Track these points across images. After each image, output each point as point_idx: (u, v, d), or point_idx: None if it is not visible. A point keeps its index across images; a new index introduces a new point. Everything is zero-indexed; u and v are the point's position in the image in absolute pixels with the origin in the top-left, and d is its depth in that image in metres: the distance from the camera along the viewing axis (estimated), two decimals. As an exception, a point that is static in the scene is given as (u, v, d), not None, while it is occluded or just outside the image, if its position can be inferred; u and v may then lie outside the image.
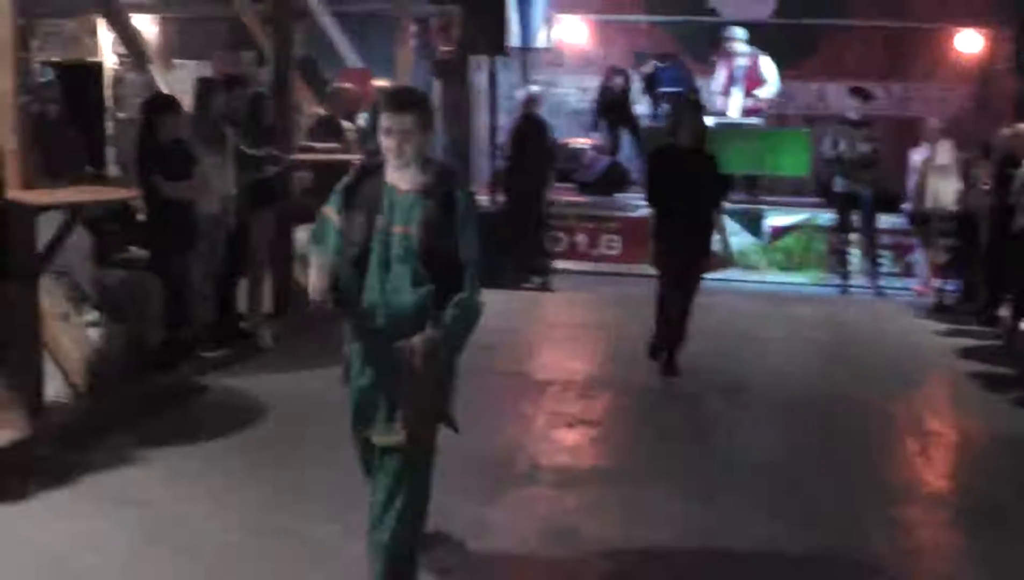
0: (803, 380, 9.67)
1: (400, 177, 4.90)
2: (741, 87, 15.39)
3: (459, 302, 4.86)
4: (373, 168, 5.06)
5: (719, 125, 15.11)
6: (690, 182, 9.02)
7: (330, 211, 5.06)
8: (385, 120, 4.82)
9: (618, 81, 15.63)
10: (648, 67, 15.82)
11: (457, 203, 4.94)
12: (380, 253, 4.87)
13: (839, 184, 13.53)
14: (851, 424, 8.39)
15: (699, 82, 15.87)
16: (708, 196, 9.22)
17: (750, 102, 15.46)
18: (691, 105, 10.27)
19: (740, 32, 15.52)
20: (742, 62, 15.41)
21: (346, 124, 11.46)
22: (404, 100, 4.97)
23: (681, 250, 9.04)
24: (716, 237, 9.37)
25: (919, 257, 13.97)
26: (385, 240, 4.86)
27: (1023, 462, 7.60)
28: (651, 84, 15.64)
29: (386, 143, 4.80)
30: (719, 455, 7.51)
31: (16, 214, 6.35)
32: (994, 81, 13.12)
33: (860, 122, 13.47)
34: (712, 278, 12.66)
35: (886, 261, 13.99)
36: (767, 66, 15.37)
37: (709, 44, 16.42)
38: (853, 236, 13.83)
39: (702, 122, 9.71)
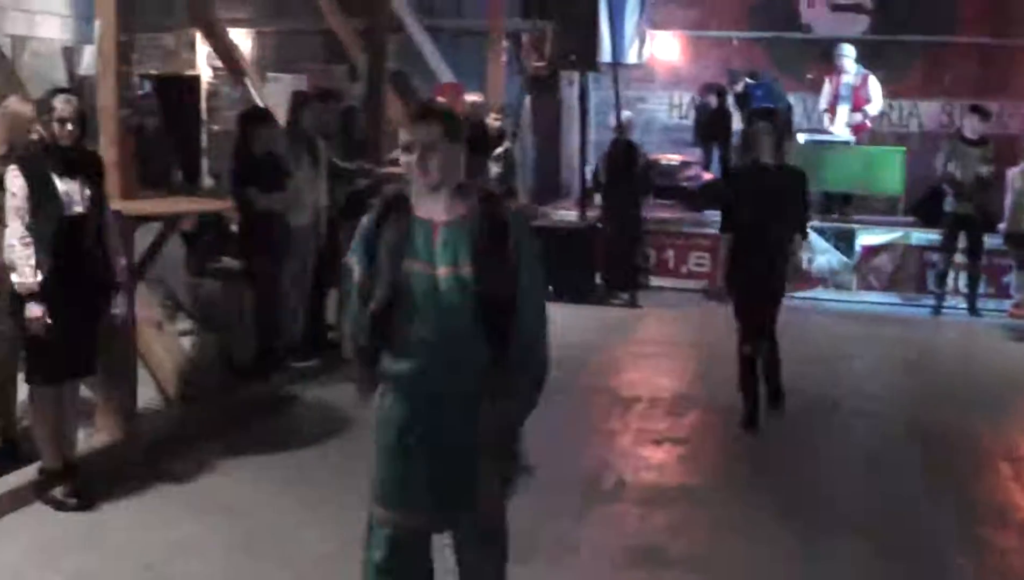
0: (894, 402, 9.50)
1: (433, 206, 4.01)
2: (849, 104, 15.25)
3: (526, 360, 4.11)
4: (396, 200, 4.12)
5: (813, 142, 15.05)
6: (773, 202, 8.17)
7: (352, 263, 4.17)
8: (405, 134, 3.97)
9: (712, 98, 15.57)
10: (739, 85, 15.74)
11: (510, 230, 4.03)
12: (422, 303, 3.96)
13: (950, 204, 13.22)
14: (943, 447, 8.26)
15: (793, 99, 15.78)
16: (793, 218, 8.42)
17: (858, 118, 15.31)
18: (767, 118, 9.19)
19: (849, 50, 15.36)
20: (850, 80, 15.27)
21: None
22: (427, 109, 4.18)
23: (761, 281, 8.23)
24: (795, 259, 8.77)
25: (1014, 278, 13.74)
26: (427, 288, 3.96)
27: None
28: (743, 102, 15.52)
29: (407, 160, 3.94)
30: (807, 475, 7.41)
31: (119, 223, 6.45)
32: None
33: (977, 141, 13.21)
34: (802, 296, 12.60)
35: (981, 282, 13.76)
36: (874, 85, 15.24)
37: (802, 60, 16.33)
38: (958, 257, 13.57)
39: (782, 137, 8.97)
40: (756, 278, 8.19)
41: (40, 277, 5.93)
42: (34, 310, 5.93)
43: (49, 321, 5.94)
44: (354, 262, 4.12)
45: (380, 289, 3.98)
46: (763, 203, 8.10)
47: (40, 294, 5.93)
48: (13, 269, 5.92)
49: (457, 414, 4.06)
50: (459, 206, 3.99)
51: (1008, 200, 13.17)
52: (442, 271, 3.94)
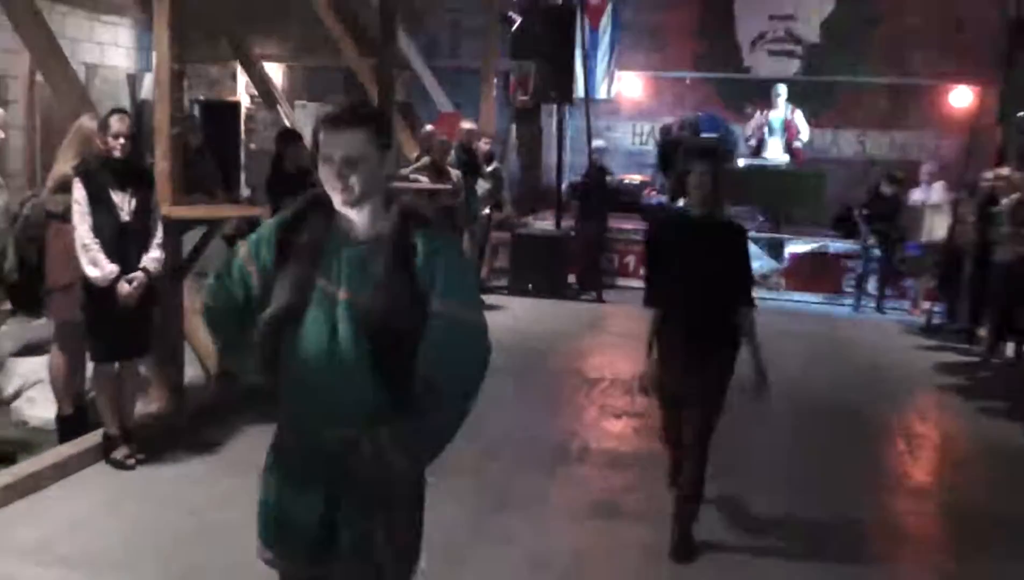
0: (813, 385, 9.55)
1: (354, 221, 2.90)
2: (781, 137, 15.39)
3: (425, 403, 2.86)
4: (320, 202, 2.94)
5: (751, 165, 15.15)
6: (702, 263, 5.26)
7: (245, 251, 3.04)
8: (323, 143, 2.84)
9: (674, 128, 15.66)
10: (691, 116, 15.82)
11: (417, 252, 2.86)
12: (321, 325, 2.85)
13: (865, 230, 13.47)
14: (852, 424, 8.29)
15: (735, 127, 15.87)
16: (729, 284, 5.36)
17: (797, 145, 15.50)
18: (705, 156, 6.51)
19: (783, 89, 15.56)
20: (781, 115, 15.43)
21: (453, 171, 11.48)
22: (348, 115, 2.84)
23: (687, 364, 5.35)
24: (745, 348, 5.45)
25: (912, 283, 13.86)
26: (328, 308, 2.85)
27: (998, 464, 7.46)
28: (695, 131, 15.60)
29: (324, 174, 2.85)
30: (741, 444, 7.42)
31: (166, 226, 6.46)
32: (981, 131, 12.99)
33: (889, 197, 13.37)
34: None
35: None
36: (800, 118, 15.42)
37: (743, 97, 16.42)
38: (872, 265, 13.76)
39: (719, 180, 5.44)
40: (680, 368, 5.40)
41: (114, 266, 5.93)
42: (123, 287, 5.95)
43: (111, 307, 5.97)
44: (247, 252, 3.02)
45: (281, 297, 2.89)
46: (693, 265, 5.27)
47: (117, 277, 5.94)
48: (92, 264, 5.88)
49: (336, 472, 2.93)
50: (380, 223, 2.90)
51: (914, 218, 13.37)
52: (342, 294, 2.84)
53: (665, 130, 15.91)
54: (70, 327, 6.35)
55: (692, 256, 5.28)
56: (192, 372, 7.51)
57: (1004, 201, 10.28)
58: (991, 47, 12.43)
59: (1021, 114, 11.99)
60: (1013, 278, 9.93)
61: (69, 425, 6.49)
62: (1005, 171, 11.02)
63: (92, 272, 5.91)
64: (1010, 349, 10.44)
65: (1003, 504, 6.59)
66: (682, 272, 5.31)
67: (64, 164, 6.35)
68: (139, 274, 6.04)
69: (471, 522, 5.67)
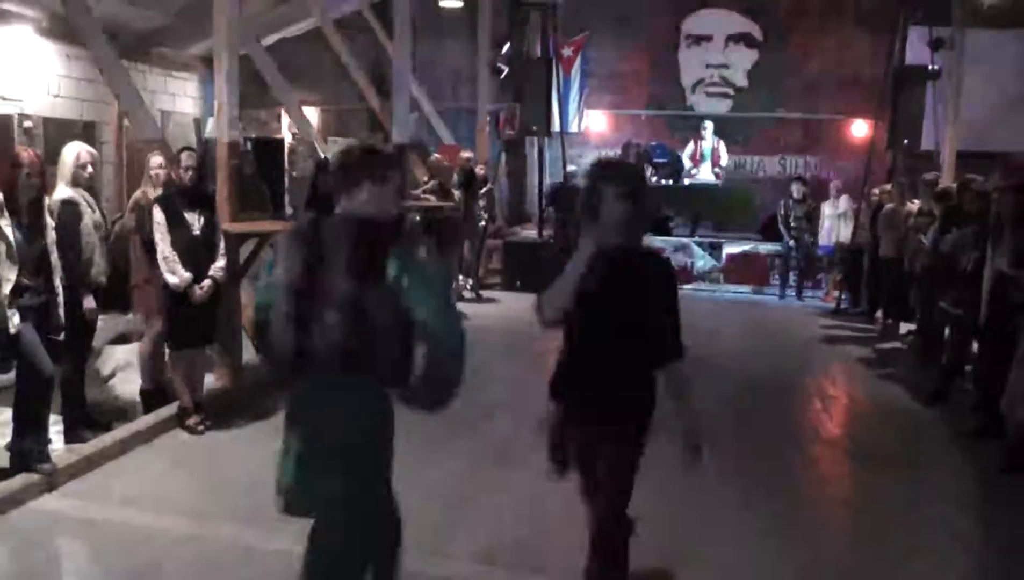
0: (744, 356, 9.63)
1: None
2: (709, 161, 15.47)
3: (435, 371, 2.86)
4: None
5: (691, 184, 15.21)
6: (622, 304, 3.36)
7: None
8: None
9: (632, 151, 15.67)
10: (645, 145, 15.85)
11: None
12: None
13: (786, 233, 13.55)
14: (775, 389, 8.35)
15: (679, 154, 15.92)
16: (656, 331, 3.41)
17: (718, 171, 15.52)
18: (615, 181, 3.35)
19: (709, 124, 15.67)
20: (709, 145, 15.51)
21: (455, 193, 11.49)
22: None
23: (592, 421, 3.51)
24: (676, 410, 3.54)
25: (824, 276, 13.94)
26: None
27: (890, 419, 7.53)
28: (648, 157, 15.66)
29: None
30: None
31: (227, 239, 6.50)
32: (875, 155, 13.13)
33: (800, 200, 13.45)
34: (688, 289, 12.55)
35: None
36: (723, 148, 15.52)
37: (687, 129, 16.47)
38: (792, 261, 13.84)
39: (638, 205, 3.34)
40: (586, 425, 3.56)
41: (188, 274, 6.00)
42: (197, 292, 6.03)
43: (185, 306, 6.03)
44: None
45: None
46: (605, 305, 3.34)
47: (191, 283, 6.02)
48: (171, 273, 5.95)
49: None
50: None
51: (826, 226, 13.43)
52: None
53: (625, 148, 15.88)
54: (154, 320, 6.38)
55: (611, 294, 3.33)
56: (248, 355, 7.52)
57: (883, 210, 10.41)
58: (881, 89, 12.58)
59: (906, 142, 12.14)
60: (890, 271, 10.02)
61: (152, 399, 6.53)
62: (888, 186, 11.15)
63: (171, 279, 5.96)
64: (904, 328, 10.51)
65: (894, 447, 6.70)
66: (595, 311, 3.35)
67: (137, 191, 6.57)
68: (207, 282, 6.11)
69: (471, 475, 5.66)
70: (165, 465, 5.65)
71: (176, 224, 6.00)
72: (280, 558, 4.31)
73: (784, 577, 4.46)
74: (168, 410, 6.34)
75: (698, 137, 15.69)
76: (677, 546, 4.70)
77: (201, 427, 6.21)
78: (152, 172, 6.46)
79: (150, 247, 6.11)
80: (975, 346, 7.24)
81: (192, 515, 4.87)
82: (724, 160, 15.60)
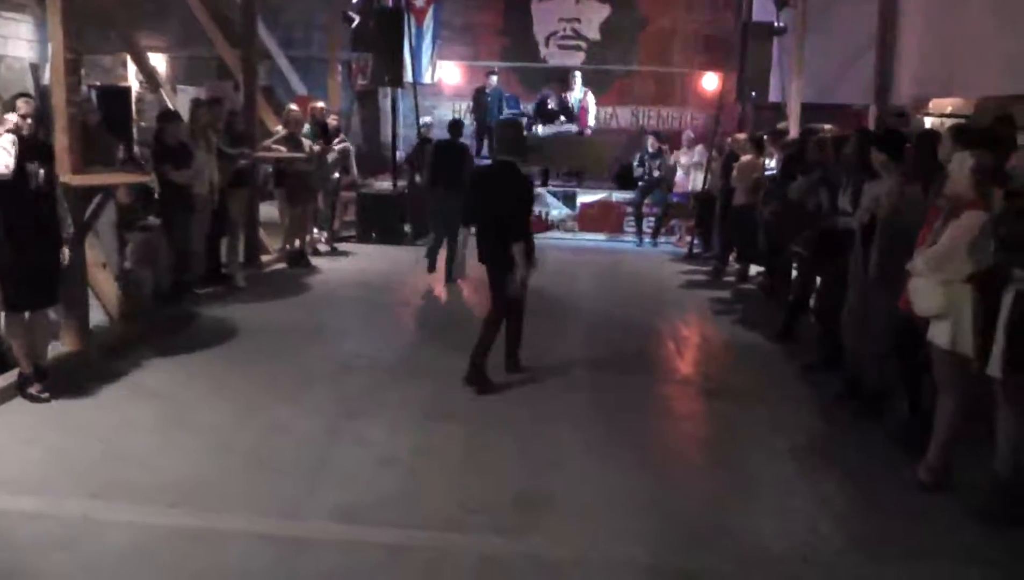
0: (601, 301, 9.80)
1: None
2: (577, 112, 15.54)
3: None
4: None
5: (554, 134, 15.26)
6: (494, 196, 6.23)
7: None
8: None
9: (487, 86, 15.62)
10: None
11: None
12: None
13: (641, 182, 13.89)
14: (632, 330, 8.52)
15: (530, 106, 15.92)
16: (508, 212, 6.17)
17: (587, 121, 15.62)
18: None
19: (579, 76, 15.68)
20: (577, 96, 15.57)
21: (306, 141, 11.16)
22: None
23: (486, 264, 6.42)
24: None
25: (677, 222, 14.32)
26: None
27: (738, 356, 7.83)
28: (498, 106, 15.67)
29: None
30: (542, 346, 7.41)
31: (70, 192, 6.12)
32: (725, 107, 13.55)
33: (654, 153, 13.75)
34: (543, 237, 12.71)
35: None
36: (591, 99, 15.59)
37: (540, 82, 16.51)
38: (645, 209, 14.15)
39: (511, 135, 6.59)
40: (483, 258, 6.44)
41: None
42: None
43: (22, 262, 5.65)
44: None
45: None
46: (487, 196, 6.33)
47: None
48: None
49: None
50: None
51: (679, 174, 13.78)
52: None
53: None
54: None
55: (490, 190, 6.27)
56: (96, 317, 7.17)
57: (739, 161, 10.73)
58: (730, 44, 12.95)
59: (754, 94, 12.55)
60: (742, 217, 10.39)
61: (-12, 366, 6.11)
62: (741, 136, 11.50)
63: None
64: (753, 270, 10.90)
65: (743, 382, 6.98)
66: (484, 200, 6.29)
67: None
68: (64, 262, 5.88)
69: (329, 428, 5.60)
70: (5, 436, 5.32)
71: (18, 174, 5.59)
72: (129, 530, 4.15)
73: (636, 509, 4.59)
74: (6, 378, 5.97)
75: (562, 89, 15.74)
76: (532, 483, 4.84)
77: (45, 394, 5.87)
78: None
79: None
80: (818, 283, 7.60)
81: (34, 493, 4.57)
82: (592, 111, 15.69)
